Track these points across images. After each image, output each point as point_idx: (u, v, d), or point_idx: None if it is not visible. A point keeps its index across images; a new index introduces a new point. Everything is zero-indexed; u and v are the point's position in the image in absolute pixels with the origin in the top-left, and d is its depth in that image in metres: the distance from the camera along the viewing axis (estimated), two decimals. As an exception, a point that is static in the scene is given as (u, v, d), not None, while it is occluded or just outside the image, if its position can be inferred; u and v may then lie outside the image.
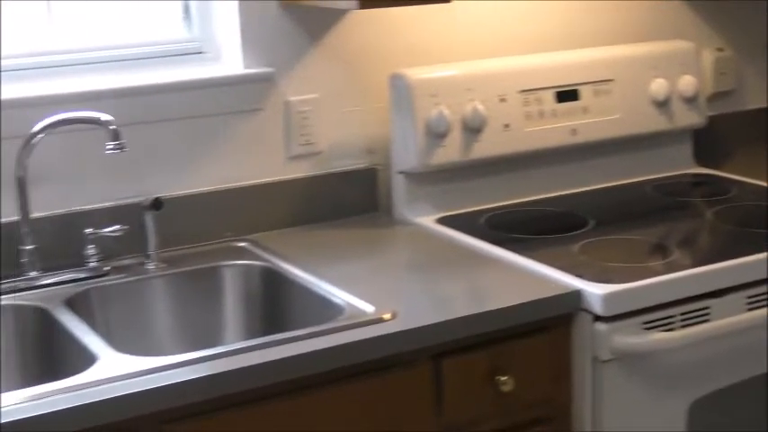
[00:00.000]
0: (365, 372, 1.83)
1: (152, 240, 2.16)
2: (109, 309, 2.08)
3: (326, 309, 1.98)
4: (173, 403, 1.67)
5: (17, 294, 2.03)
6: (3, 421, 1.56)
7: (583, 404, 2.01)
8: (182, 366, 1.72)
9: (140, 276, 2.14)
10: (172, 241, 2.22)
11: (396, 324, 1.86)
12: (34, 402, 1.61)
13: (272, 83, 2.35)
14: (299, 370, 1.76)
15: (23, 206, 2.05)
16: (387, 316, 1.87)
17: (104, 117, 1.99)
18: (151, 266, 2.16)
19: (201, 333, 2.17)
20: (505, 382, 1.91)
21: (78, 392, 1.64)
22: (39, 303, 1.99)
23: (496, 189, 2.48)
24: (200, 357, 1.75)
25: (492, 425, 1.97)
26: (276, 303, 2.16)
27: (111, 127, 1.97)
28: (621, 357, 1.99)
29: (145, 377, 1.68)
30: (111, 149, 1.97)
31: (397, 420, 1.87)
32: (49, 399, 1.62)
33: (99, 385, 1.65)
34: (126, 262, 2.17)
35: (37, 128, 2.02)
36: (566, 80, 2.53)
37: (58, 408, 1.60)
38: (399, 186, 2.42)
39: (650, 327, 2.00)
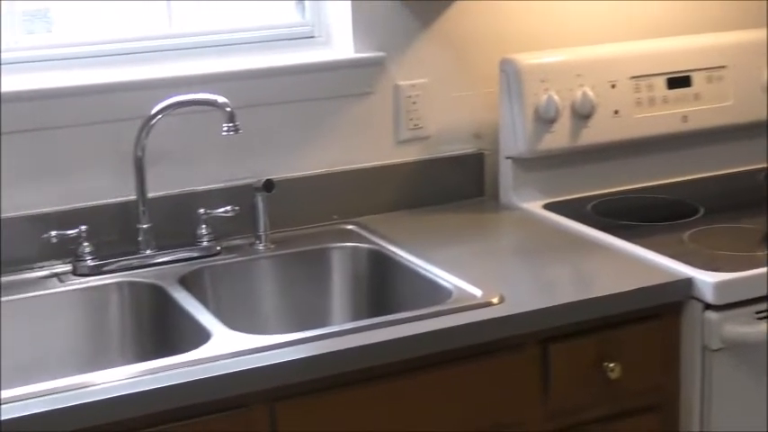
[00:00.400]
0: (472, 355, 1.83)
1: (262, 221, 2.20)
2: (220, 287, 2.12)
3: (434, 292, 1.99)
4: (283, 381, 1.70)
5: (133, 271, 2.09)
6: (121, 394, 1.61)
7: (691, 393, 1.99)
8: (293, 345, 1.75)
9: (250, 257, 2.18)
10: (281, 223, 2.25)
11: (504, 308, 1.86)
12: (151, 376, 1.65)
13: (382, 67, 2.36)
14: (407, 351, 1.77)
15: (140, 186, 2.11)
16: (495, 300, 1.87)
17: (221, 99, 2.02)
18: (261, 247, 2.20)
19: (308, 314, 2.20)
20: (613, 369, 1.90)
21: (193, 368, 1.67)
22: (154, 281, 2.04)
23: (604, 176, 2.46)
24: (310, 337, 1.78)
25: (598, 412, 1.96)
26: (383, 286, 2.18)
27: (227, 109, 2.01)
28: (732, 347, 1.96)
29: (257, 355, 1.71)
30: (226, 131, 2.00)
31: (503, 405, 1.87)
32: (165, 373, 1.66)
33: (213, 361, 1.69)
34: (236, 242, 2.21)
35: (155, 109, 2.07)
36: (677, 66, 2.49)
37: (174, 382, 1.64)
38: (507, 172, 2.42)
39: (762, 317, 1.97)
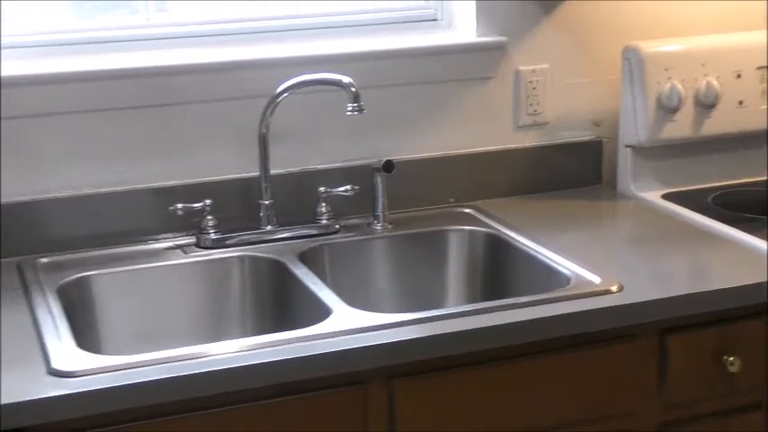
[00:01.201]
0: (587, 343, 1.83)
1: (381, 201, 2.21)
2: (337, 265, 2.14)
3: (551, 278, 1.98)
4: (402, 359, 1.72)
5: (254, 246, 2.12)
6: (244, 364, 1.64)
7: (809, 391, 1.96)
8: (411, 324, 1.76)
9: (368, 236, 2.20)
10: (398, 203, 2.26)
11: (623, 297, 1.84)
12: (270, 349, 1.68)
13: (503, 52, 2.36)
14: (524, 336, 1.78)
15: (264, 162, 2.14)
16: (614, 288, 1.86)
17: (346, 79, 2.04)
18: (378, 227, 2.22)
19: (421, 295, 2.21)
20: (733, 362, 1.87)
21: (314, 342, 1.70)
22: (274, 256, 2.07)
23: (726, 167, 2.41)
24: (429, 317, 1.79)
25: (712, 406, 1.94)
26: (498, 270, 2.18)
27: (352, 89, 2.02)
28: None
29: (376, 332, 1.73)
30: (351, 111, 2.02)
31: (618, 394, 1.86)
32: (285, 347, 1.69)
33: (334, 337, 1.72)
34: (354, 221, 2.23)
35: (281, 88, 2.10)
36: (806, 58, 2.43)
37: (294, 355, 1.67)
38: (625, 160, 2.39)
39: None
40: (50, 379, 1.59)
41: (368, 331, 1.73)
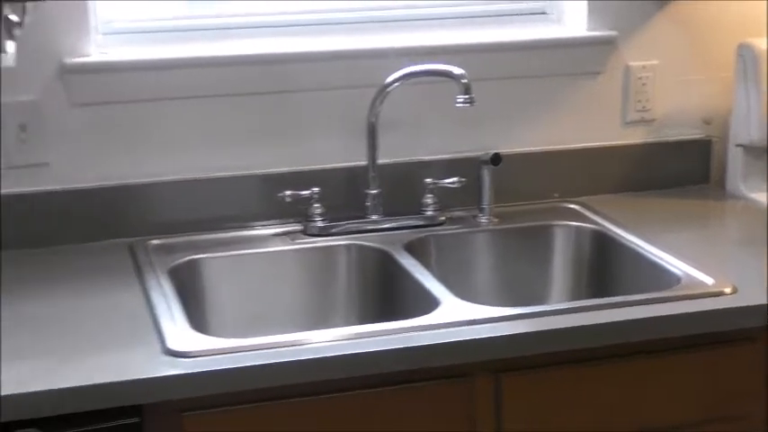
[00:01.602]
0: (700, 344, 1.80)
1: (487, 194, 2.20)
2: (443, 257, 2.14)
3: (660, 277, 1.95)
4: (510, 354, 1.71)
5: (360, 235, 2.13)
6: (356, 352, 1.65)
7: None
8: (521, 319, 1.75)
9: (474, 228, 2.19)
10: (503, 197, 2.25)
11: (737, 299, 1.81)
12: (379, 338, 1.68)
13: (613, 46, 2.33)
14: (638, 334, 1.75)
15: (372, 152, 2.15)
16: (727, 290, 1.83)
17: (457, 71, 2.03)
18: (484, 220, 2.21)
19: (525, 290, 2.19)
20: None
21: (422, 333, 1.70)
22: (381, 245, 2.08)
23: (841, 169, 2.36)
24: (539, 312, 1.79)
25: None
26: (604, 267, 2.15)
27: (463, 81, 2.02)
28: None
29: (486, 325, 1.73)
30: (461, 103, 2.01)
31: (731, 396, 1.83)
32: (394, 336, 1.69)
33: (442, 328, 1.71)
34: (459, 213, 2.23)
35: (392, 78, 2.10)
36: None
37: (404, 345, 1.67)
38: (736, 160, 2.35)
39: None
40: (166, 358, 1.61)
41: (477, 324, 1.73)
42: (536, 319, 1.76)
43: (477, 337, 1.69)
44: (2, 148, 2.03)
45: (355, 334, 1.71)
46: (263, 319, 2.05)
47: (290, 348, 1.65)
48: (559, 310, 1.79)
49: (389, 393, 1.68)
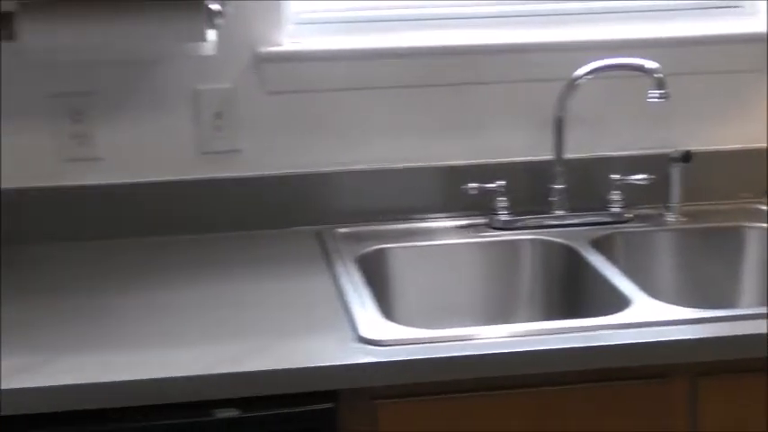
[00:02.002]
0: None
1: (675, 193, 2.15)
2: (630, 254, 2.09)
3: None
4: (708, 357, 1.66)
5: (545, 230, 2.11)
6: (549, 348, 1.63)
7: None
8: (718, 322, 1.70)
9: (661, 227, 2.14)
10: (691, 196, 2.19)
11: None
12: (570, 335, 1.66)
13: (814, 42, 2.25)
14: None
15: (558, 146, 2.12)
16: None
17: (650, 64, 1.98)
18: (671, 218, 2.16)
19: (711, 291, 2.13)
20: None
21: (614, 332, 1.67)
22: (566, 241, 2.05)
23: None
24: (738, 315, 1.73)
25: None
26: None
27: (656, 75, 1.97)
28: None
29: (681, 327, 1.68)
30: (654, 98, 1.97)
31: None
32: (586, 334, 1.66)
33: (637, 327, 1.68)
34: (646, 211, 2.18)
35: (582, 71, 2.07)
36: None
37: (598, 343, 1.64)
38: None
39: None
40: (359, 346, 1.63)
41: (675, 325, 1.68)
42: (733, 323, 1.70)
43: (677, 339, 1.65)
44: (199, 134, 2.09)
45: (560, 328, 1.69)
46: (446, 310, 2.05)
47: (484, 341, 1.65)
48: (755, 315, 1.73)
49: (592, 389, 1.65)
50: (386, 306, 1.97)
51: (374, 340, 1.63)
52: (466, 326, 1.83)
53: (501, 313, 2.06)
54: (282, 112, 2.11)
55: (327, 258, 1.97)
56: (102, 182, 2.07)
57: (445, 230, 2.13)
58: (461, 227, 2.14)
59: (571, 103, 2.11)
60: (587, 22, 2.25)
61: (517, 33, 2.20)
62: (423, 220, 2.16)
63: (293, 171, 2.12)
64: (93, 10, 1.77)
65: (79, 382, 1.53)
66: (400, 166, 2.16)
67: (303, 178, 2.13)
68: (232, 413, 1.56)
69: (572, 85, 2.08)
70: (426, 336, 1.66)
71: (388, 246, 2.05)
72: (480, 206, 2.14)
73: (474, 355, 1.61)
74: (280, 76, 2.09)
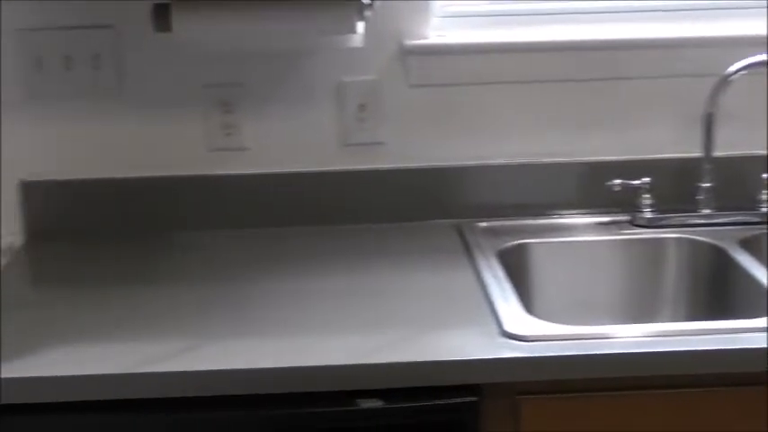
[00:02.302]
0: None
1: (824, 193, 2.09)
2: (778, 257, 2.05)
3: None
4: None
5: (690, 229, 2.06)
6: (691, 349, 1.60)
7: None
8: None
9: (812, 228, 2.09)
10: (844, 197, 2.13)
11: None
12: (718, 336, 1.63)
13: None
14: None
15: (707, 144, 2.07)
16: None
17: (806, 61, 1.94)
18: (822, 220, 2.10)
19: None
20: None
21: (756, 335, 1.62)
22: (714, 241, 2.01)
23: None
24: None
25: None
26: None
27: (814, 72, 1.92)
28: None
29: None
30: (812, 96, 1.92)
31: None
32: (726, 336, 1.63)
33: (788, 331, 1.64)
34: (796, 212, 2.13)
35: (735, 67, 2.01)
36: None
37: (733, 346, 1.60)
38: None
39: None
40: (503, 340, 1.62)
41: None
42: None
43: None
44: (342, 126, 2.11)
45: (700, 329, 1.66)
46: (586, 307, 2.02)
47: (629, 340, 1.62)
48: None
49: (727, 394, 1.62)
50: (525, 301, 1.96)
51: (519, 335, 1.62)
52: (607, 324, 1.80)
53: (643, 312, 2.02)
54: (425, 106, 2.11)
55: (468, 252, 1.97)
56: (248, 171, 2.10)
57: (586, 227, 2.10)
58: (603, 224, 2.10)
59: (725, 100, 2.06)
60: (733, 17, 2.18)
61: (662, 28, 2.15)
62: (563, 216, 2.13)
63: (434, 164, 2.12)
64: (245, 3, 1.81)
65: (226, 368, 1.56)
66: (542, 161, 2.14)
67: (444, 171, 2.13)
68: (376, 404, 1.57)
69: (725, 81, 2.02)
70: (571, 332, 1.64)
71: (530, 241, 2.03)
72: (623, 203, 2.10)
73: (619, 354, 1.59)
74: (424, 69, 2.09)
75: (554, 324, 1.68)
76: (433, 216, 2.12)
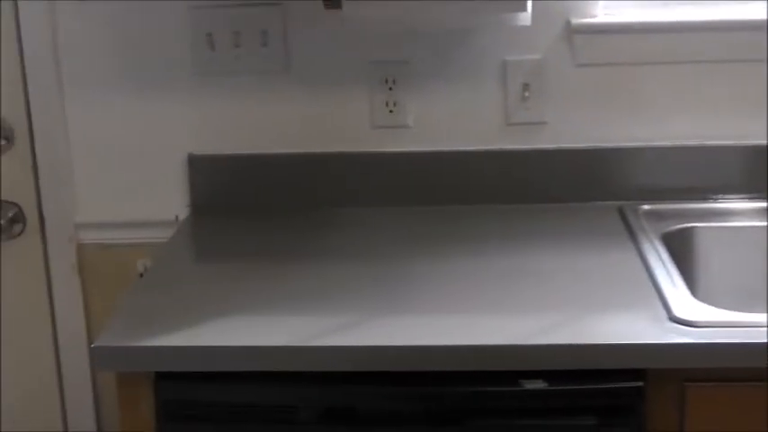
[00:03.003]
0: None
1: None
2: None
3: None
4: None
5: None
6: None
7: None
8: None
9: None
10: None
11: None
12: None
13: None
14: None
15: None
16: None
17: None
18: None
19: None
20: None
21: None
22: None
23: None
24: None
25: None
26: None
27: None
28: None
29: None
30: None
31: None
32: None
33: None
34: None
35: None
36: None
37: None
38: None
39: None
40: (671, 325, 1.60)
41: None
42: None
43: None
44: (506, 105, 2.11)
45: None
46: (752, 294, 1.98)
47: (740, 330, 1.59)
48: None
49: None
50: (690, 285, 1.94)
51: (687, 321, 1.60)
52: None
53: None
54: (590, 85, 2.09)
55: (631, 234, 1.95)
56: (411, 149, 2.12)
57: (752, 212, 2.05)
58: (754, 210, 2.06)
59: None
60: None
61: None
62: (728, 200, 2.10)
63: (597, 145, 2.11)
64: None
65: (389, 344, 1.59)
66: (706, 143, 2.10)
67: (607, 152, 2.11)
68: (539, 385, 1.57)
69: None
70: (741, 320, 1.62)
71: (695, 225, 2.00)
72: (776, 187, 2.06)
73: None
74: (590, 47, 2.07)
75: (723, 310, 1.66)
76: (595, 197, 2.10)
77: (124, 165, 2.16)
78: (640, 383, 1.57)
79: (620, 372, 1.57)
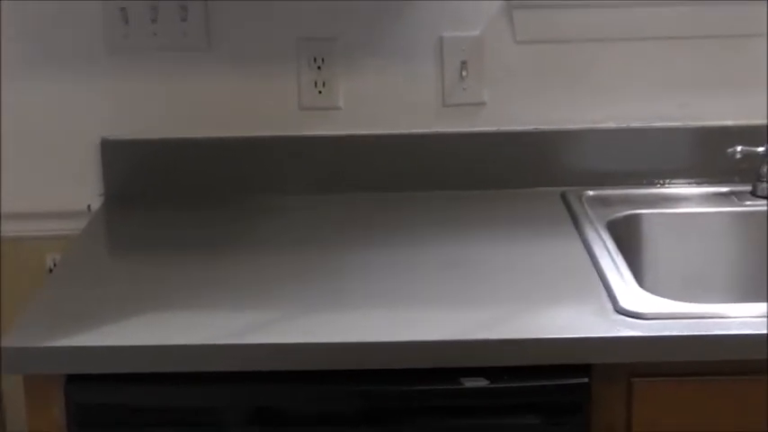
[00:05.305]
0: None
1: None
2: None
3: None
4: None
5: (813, 201, 2.03)
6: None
7: None
8: None
9: None
10: None
11: None
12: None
13: None
14: None
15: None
16: None
17: None
18: None
19: None
20: None
21: None
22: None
23: None
24: None
25: None
26: None
27: None
28: None
29: None
30: None
31: None
32: None
33: None
34: None
35: None
36: None
37: None
38: None
39: None
40: (618, 318, 1.59)
41: None
42: None
43: None
44: (442, 85, 2.09)
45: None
46: (700, 283, 1.99)
47: (752, 320, 1.58)
48: None
49: None
50: (636, 275, 1.94)
51: (635, 312, 1.59)
52: (724, 302, 1.77)
53: (760, 291, 1.98)
54: (531, 64, 2.09)
55: (575, 222, 1.95)
56: (341, 132, 2.10)
57: (702, 197, 2.07)
58: (721, 194, 2.07)
59: None
60: None
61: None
62: (677, 185, 2.11)
63: (539, 127, 2.10)
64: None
65: (320, 341, 1.55)
66: (654, 125, 2.11)
67: (549, 135, 2.11)
68: (481, 383, 1.56)
69: None
70: (691, 311, 1.61)
71: (641, 211, 2.00)
72: (744, 172, 2.06)
73: (742, 335, 1.55)
74: (532, 24, 2.06)
75: (672, 302, 1.65)
76: (537, 183, 2.10)
77: (31, 151, 2.11)
78: (586, 379, 1.56)
79: (564, 368, 1.56)
